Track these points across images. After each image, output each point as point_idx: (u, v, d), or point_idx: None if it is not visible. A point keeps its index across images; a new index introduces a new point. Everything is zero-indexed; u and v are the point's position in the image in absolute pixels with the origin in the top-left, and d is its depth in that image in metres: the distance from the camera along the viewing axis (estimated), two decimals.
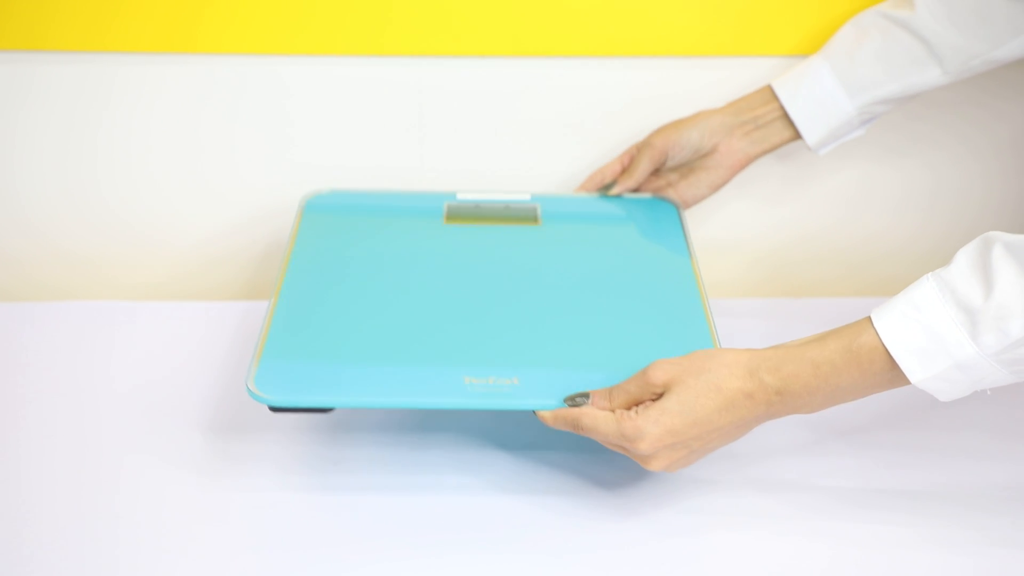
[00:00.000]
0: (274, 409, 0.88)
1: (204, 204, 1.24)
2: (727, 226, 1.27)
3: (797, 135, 1.15)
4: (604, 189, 1.18)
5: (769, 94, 1.15)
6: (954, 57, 1.10)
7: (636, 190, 1.18)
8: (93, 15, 1.15)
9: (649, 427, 0.84)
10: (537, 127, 1.22)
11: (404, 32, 1.17)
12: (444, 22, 1.16)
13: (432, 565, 0.85)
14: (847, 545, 0.87)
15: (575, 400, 0.88)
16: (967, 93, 1.21)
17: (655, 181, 1.18)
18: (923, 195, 1.26)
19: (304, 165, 1.23)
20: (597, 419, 0.86)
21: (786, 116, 1.14)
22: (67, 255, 1.25)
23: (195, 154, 1.22)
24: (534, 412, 0.89)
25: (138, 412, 1.02)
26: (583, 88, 1.21)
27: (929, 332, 0.81)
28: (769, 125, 1.15)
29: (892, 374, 0.83)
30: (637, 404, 0.87)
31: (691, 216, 1.22)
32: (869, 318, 0.84)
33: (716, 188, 1.16)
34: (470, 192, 1.16)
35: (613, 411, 0.86)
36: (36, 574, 0.84)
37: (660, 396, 0.85)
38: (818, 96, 1.12)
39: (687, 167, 1.17)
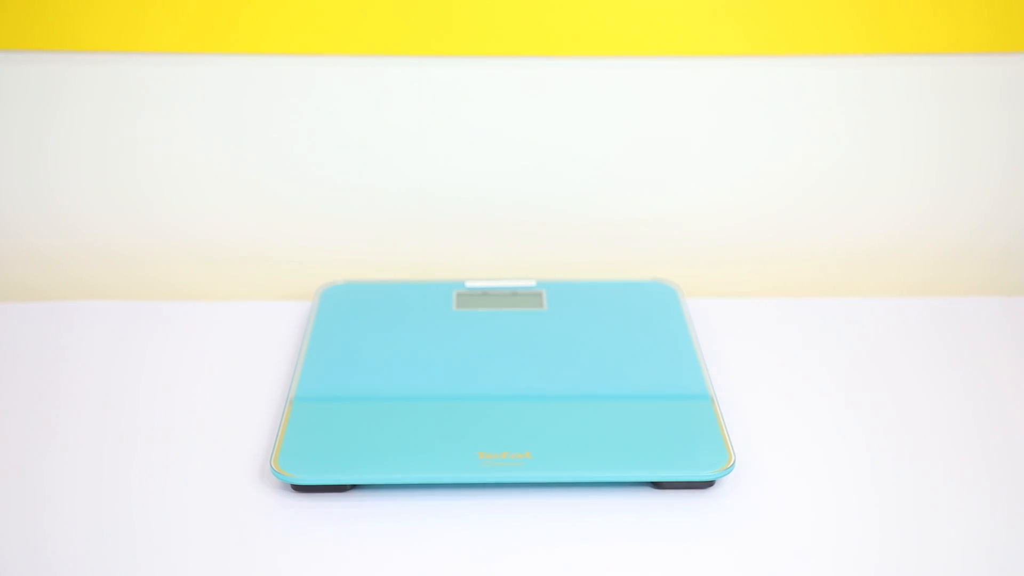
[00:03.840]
0: (297, 488, 0.93)
1: (242, 202, 1.21)
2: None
3: None
4: None
5: None
6: None
7: None
8: (126, 15, 1.13)
9: None
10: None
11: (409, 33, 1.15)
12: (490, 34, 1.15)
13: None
14: (845, 544, 0.84)
15: None
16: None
17: None
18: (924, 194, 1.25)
19: (341, 159, 1.21)
20: None
21: None
22: (105, 254, 1.22)
23: (233, 153, 1.19)
24: None
25: (175, 414, 1.00)
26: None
27: None
28: None
29: None
30: None
31: None
32: None
33: None
34: (478, 280, 1.22)
35: None
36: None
37: None
38: None
39: None
